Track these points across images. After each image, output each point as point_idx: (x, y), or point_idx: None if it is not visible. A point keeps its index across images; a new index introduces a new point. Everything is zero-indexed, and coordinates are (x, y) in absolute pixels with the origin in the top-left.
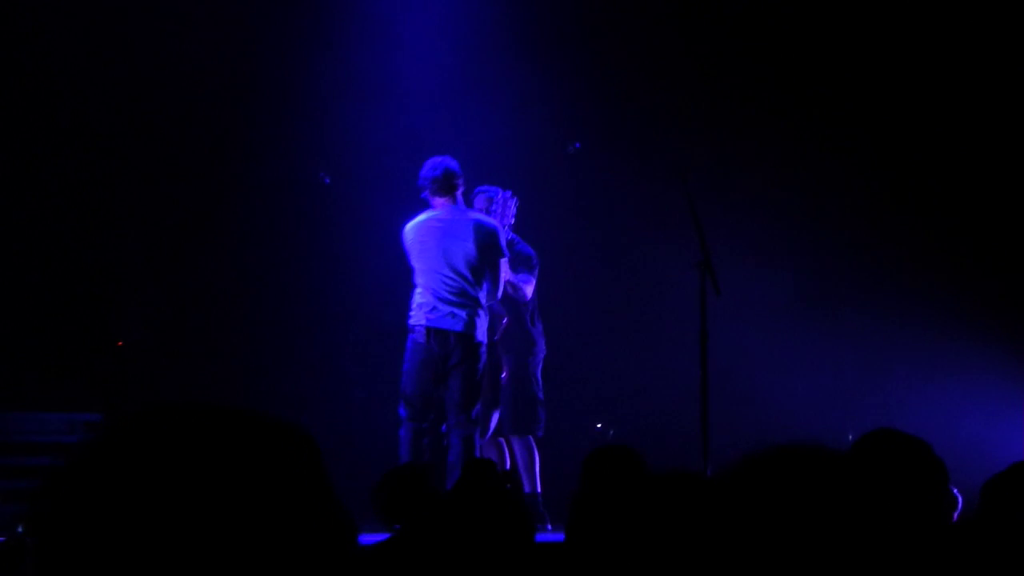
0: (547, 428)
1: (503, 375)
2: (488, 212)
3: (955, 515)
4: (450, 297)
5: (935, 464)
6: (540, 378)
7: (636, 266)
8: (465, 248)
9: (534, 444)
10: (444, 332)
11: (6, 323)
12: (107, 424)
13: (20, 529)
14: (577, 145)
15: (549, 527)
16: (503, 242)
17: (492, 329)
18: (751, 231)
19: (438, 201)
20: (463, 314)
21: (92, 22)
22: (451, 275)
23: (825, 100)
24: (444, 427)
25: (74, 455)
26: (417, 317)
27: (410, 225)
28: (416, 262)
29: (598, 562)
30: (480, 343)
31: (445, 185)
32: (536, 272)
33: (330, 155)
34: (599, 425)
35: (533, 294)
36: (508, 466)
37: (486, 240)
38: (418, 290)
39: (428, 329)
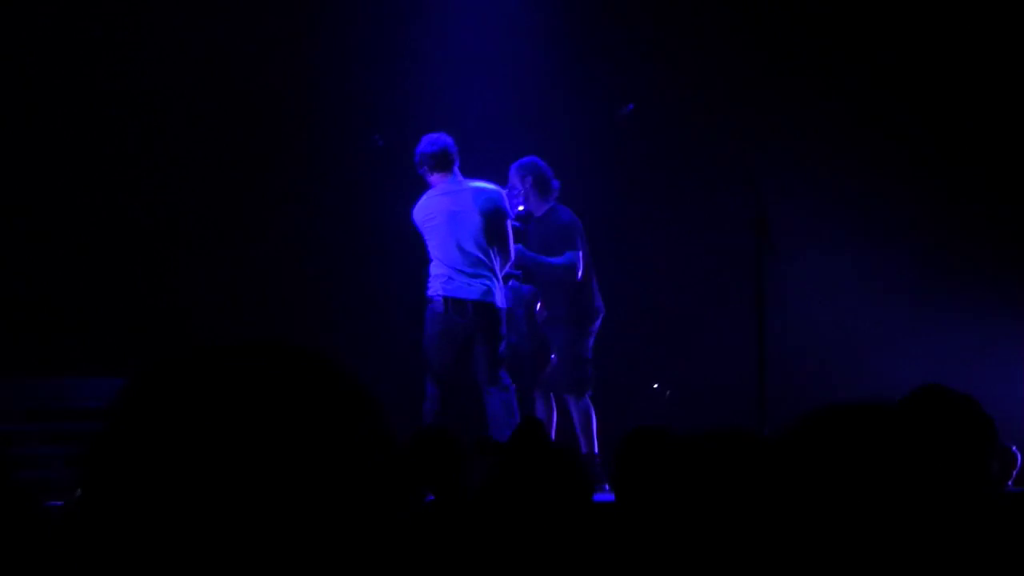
0: (606, 388)
1: (552, 356)
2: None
3: (1014, 472)
4: (466, 268)
5: (983, 421)
6: (594, 336)
7: (693, 228)
8: (472, 219)
9: (590, 404)
10: (462, 301)
11: (57, 288)
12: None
13: (79, 493)
14: (631, 107)
15: (607, 487)
16: (507, 205)
17: (527, 303)
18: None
19: (436, 177)
20: (478, 283)
21: None
22: (463, 248)
23: (921, 66)
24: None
25: (109, 416)
26: (435, 288)
27: (417, 207)
28: (429, 239)
29: (647, 521)
30: (500, 309)
31: (443, 161)
32: (580, 242)
33: (384, 122)
34: (655, 385)
35: (584, 256)
36: (554, 423)
37: (489, 207)
38: (434, 263)
39: (446, 299)
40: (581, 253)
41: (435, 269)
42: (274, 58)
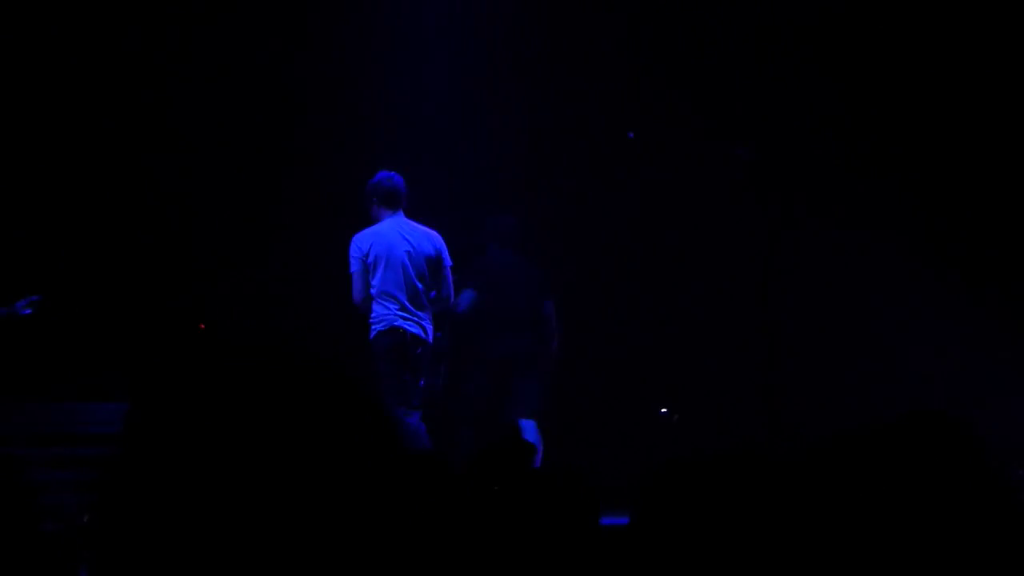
0: (611, 408)
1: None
2: None
3: None
4: (411, 305)
5: (974, 446)
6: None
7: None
8: (421, 260)
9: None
10: (406, 333)
11: (69, 312)
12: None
13: (85, 519)
14: (631, 135)
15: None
16: (446, 250)
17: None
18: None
19: (383, 212)
20: (421, 319)
21: None
22: (413, 285)
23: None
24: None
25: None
26: (386, 322)
27: (363, 238)
28: (378, 273)
29: (662, 547)
30: (430, 345)
31: (393, 198)
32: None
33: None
34: (663, 410)
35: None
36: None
37: (435, 250)
38: (380, 295)
39: (394, 329)
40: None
41: (383, 301)
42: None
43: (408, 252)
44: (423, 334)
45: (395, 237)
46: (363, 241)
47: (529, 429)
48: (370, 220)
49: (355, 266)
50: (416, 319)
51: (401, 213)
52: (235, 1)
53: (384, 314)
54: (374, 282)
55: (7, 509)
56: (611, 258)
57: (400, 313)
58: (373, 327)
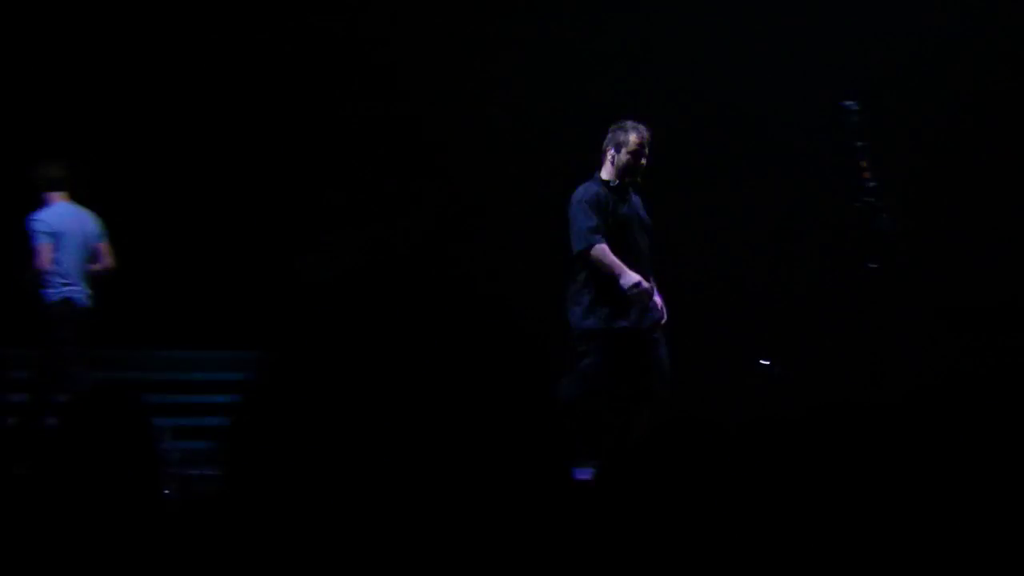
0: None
1: None
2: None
3: None
4: (80, 278)
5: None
6: None
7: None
8: (87, 239)
9: None
10: (75, 304)
11: (177, 261)
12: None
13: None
14: None
15: None
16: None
17: None
18: None
19: (55, 196)
20: (85, 290)
21: None
22: (82, 260)
23: None
24: None
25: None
26: (62, 291)
27: (45, 216)
28: (60, 249)
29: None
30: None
31: (61, 183)
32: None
33: None
34: (763, 361)
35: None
36: None
37: (96, 231)
38: (59, 267)
39: (66, 300)
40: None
41: (61, 273)
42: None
43: (82, 232)
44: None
45: (73, 219)
46: (46, 219)
47: None
48: None
49: None
50: (82, 290)
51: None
52: None
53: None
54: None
55: (135, 448)
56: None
57: (73, 284)
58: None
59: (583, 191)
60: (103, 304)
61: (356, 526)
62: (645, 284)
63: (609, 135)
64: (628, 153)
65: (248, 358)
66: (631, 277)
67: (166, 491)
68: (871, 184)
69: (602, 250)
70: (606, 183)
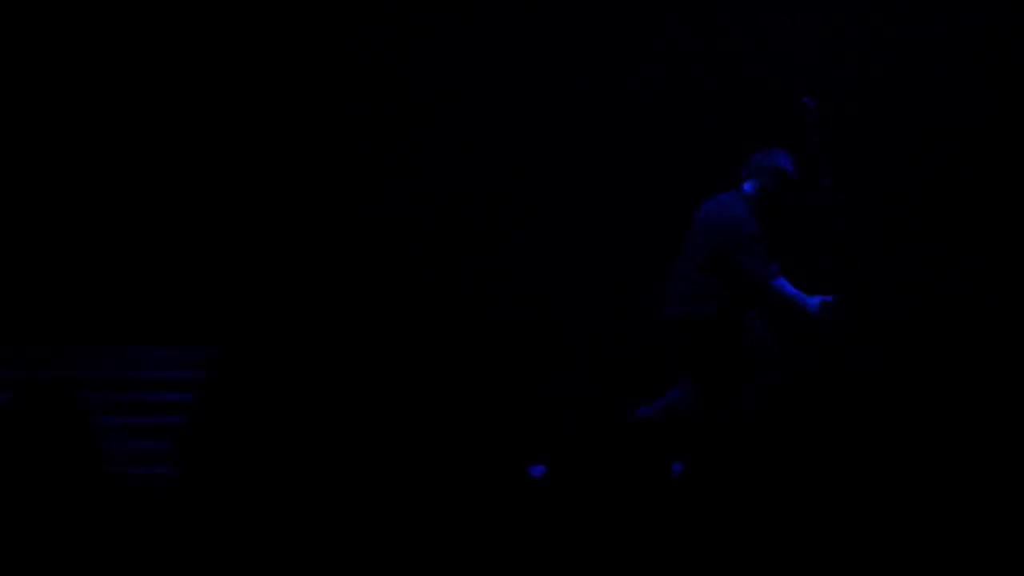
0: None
1: None
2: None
3: None
4: None
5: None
6: None
7: None
8: None
9: None
10: None
11: (127, 258)
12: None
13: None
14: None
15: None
16: None
17: None
18: None
19: None
20: None
21: None
22: None
23: None
24: None
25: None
26: None
27: None
28: None
29: None
30: None
31: None
32: None
33: None
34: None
35: None
36: None
37: None
38: None
39: None
40: None
41: None
42: None
43: None
44: None
45: None
46: None
47: None
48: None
49: None
50: None
51: None
52: None
53: None
54: None
55: (72, 446)
56: None
57: None
58: None
59: None
60: (55, 299)
61: (317, 522)
62: None
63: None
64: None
65: (201, 355)
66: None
67: (111, 488)
68: (828, 178)
69: None
70: None
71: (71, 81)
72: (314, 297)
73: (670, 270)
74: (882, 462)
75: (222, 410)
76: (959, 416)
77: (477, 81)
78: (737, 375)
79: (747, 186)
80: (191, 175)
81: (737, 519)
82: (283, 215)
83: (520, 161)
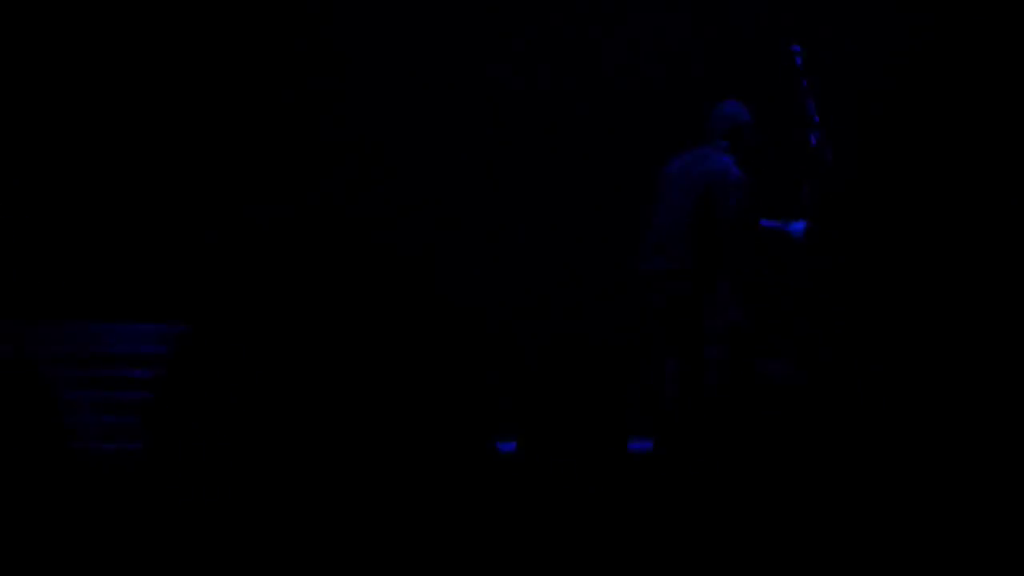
0: None
1: None
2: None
3: None
4: None
5: None
6: None
7: None
8: None
9: None
10: None
11: (99, 233)
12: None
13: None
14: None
15: None
16: None
17: None
18: None
19: None
20: None
21: None
22: None
23: None
24: None
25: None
26: None
27: None
28: None
29: None
30: None
31: None
32: None
33: None
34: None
35: None
36: None
37: None
38: None
39: None
40: None
41: None
42: None
43: None
44: None
45: None
46: None
47: None
48: None
49: None
50: None
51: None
52: None
53: None
54: None
55: (35, 424)
56: None
57: None
58: None
59: None
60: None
61: (281, 500)
62: None
63: None
64: None
65: (168, 331)
66: None
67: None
68: (817, 122)
69: None
70: None
71: (31, 61)
72: (286, 276)
73: (646, 228)
74: (882, 462)
75: (189, 386)
76: (959, 416)
77: (471, 78)
78: (703, 343)
79: (718, 140)
80: (161, 150)
81: (732, 514)
82: (256, 193)
83: (518, 161)
